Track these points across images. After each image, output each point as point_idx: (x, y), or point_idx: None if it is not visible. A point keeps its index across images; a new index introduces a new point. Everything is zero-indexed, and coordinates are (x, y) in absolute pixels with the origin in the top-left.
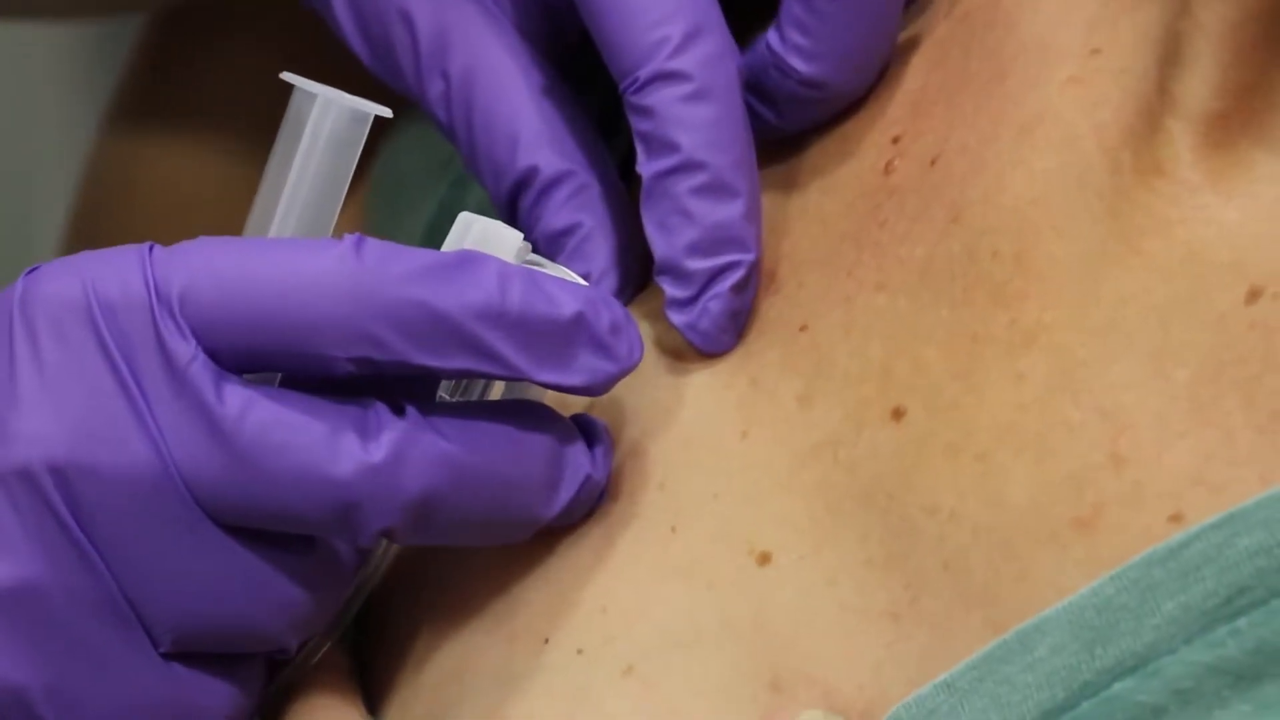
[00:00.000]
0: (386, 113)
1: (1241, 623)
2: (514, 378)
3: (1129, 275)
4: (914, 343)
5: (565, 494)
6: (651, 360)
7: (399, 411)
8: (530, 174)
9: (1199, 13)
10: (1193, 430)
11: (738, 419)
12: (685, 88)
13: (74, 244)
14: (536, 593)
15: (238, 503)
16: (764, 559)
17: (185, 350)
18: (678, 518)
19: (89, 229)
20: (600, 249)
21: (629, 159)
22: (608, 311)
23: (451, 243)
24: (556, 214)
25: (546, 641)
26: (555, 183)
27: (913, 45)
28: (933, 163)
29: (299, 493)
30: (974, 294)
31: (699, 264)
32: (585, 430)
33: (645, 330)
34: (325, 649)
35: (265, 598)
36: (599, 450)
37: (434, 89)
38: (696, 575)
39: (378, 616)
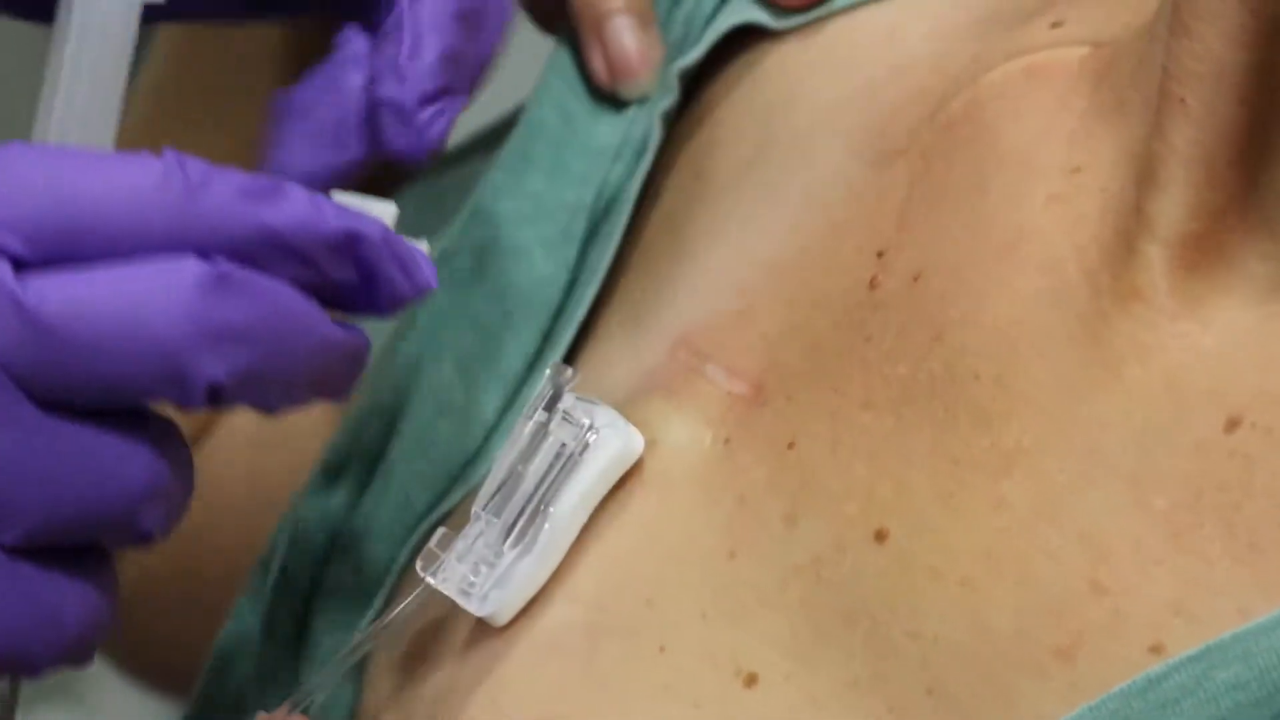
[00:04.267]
0: None
1: None
2: (329, 295)
3: (1109, 400)
4: (898, 463)
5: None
6: (640, 476)
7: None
8: None
9: (1171, 135)
10: (1171, 558)
11: (725, 538)
12: None
13: None
14: (526, 710)
15: (58, 376)
16: (750, 680)
17: None
18: (666, 636)
19: None
20: None
21: None
22: (405, 241)
23: None
24: None
25: None
26: None
27: (899, 154)
28: (915, 279)
29: (118, 346)
30: (955, 415)
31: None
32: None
33: (636, 439)
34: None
35: (104, 478)
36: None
37: None
38: (684, 694)
39: None
